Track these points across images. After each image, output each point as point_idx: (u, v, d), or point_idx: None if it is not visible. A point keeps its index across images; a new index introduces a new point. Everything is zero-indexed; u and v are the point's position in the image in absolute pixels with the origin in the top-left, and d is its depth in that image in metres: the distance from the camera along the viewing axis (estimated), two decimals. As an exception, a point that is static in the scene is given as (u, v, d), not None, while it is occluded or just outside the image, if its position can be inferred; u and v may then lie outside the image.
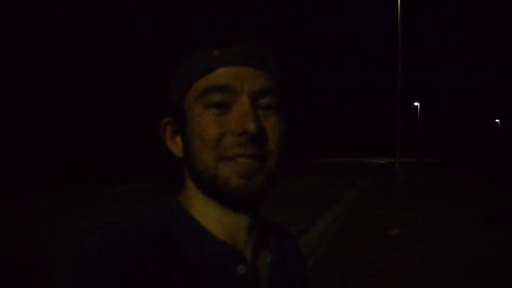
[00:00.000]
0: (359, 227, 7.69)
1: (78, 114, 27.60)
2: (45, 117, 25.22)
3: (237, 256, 0.62)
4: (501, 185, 16.62)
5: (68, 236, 6.48)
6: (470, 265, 5.20)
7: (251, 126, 0.56)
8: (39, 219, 8.18)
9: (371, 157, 68.37)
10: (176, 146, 0.65)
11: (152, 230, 0.57)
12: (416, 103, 64.08)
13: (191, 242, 0.60)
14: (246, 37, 0.63)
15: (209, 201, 0.62)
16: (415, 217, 8.68)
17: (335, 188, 15.41)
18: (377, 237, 6.78)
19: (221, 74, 0.59)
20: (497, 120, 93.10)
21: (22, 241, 6.27)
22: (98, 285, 0.50)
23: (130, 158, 24.29)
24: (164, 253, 0.56)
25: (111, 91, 30.02)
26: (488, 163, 45.94)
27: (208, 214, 0.62)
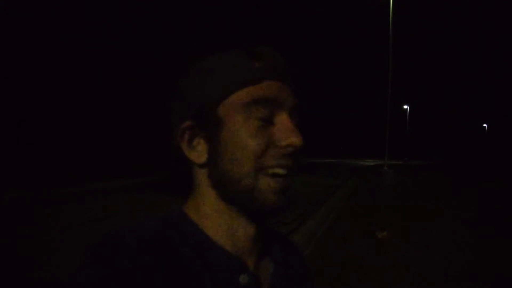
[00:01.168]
0: (348, 228, 7.71)
1: (88, 110, 27.56)
2: (54, 112, 25.11)
3: (240, 266, 0.61)
4: (485, 187, 16.83)
5: (72, 228, 6.44)
6: (457, 268, 5.24)
7: (298, 140, 0.58)
8: (42, 211, 8.14)
9: (360, 159, 68.72)
10: (194, 152, 0.62)
11: (154, 238, 0.57)
12: (405, 106, 64.49)
13: (193, 251, 0.59)
14: (277, 53, 0.63)
15: (224, 210, 0.61)
16: (402, 219, 8.74)
17: (324, 188, 15.46)
18: (365, 239, 6.81)
19: (268, 88, 0.60)
20: (484, 125, 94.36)
21: (23, 233, 6.22)
22: None
23: (138, 152, 24.41)
24: (165, 261, 0.55)
25: (120, 88, 29.98)
26: (474, 165, 46.44)
27: (218, 223, 0.62)
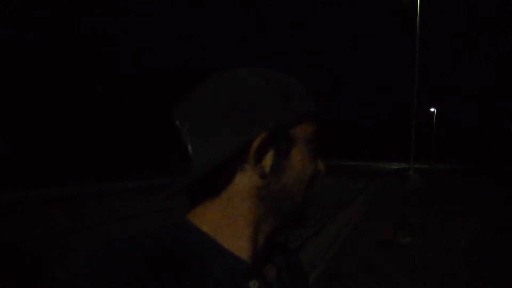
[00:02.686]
0: (370, 233, 7.62)
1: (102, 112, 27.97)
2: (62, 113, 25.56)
3: (250, 271, 0.62)
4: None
5: (73, 232, 6.55)
6: (482, 273, 5.12)
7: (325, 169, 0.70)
8: (63, 210, 8.30)
9: (384, 162, 67.85)
10: (261, 163, 0.64)
11: (156, 248, 0.57)
12: (432, 109, 63.45)
13: (197, 259, 0.59)
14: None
15: (253, 222, 0.64)
16: (427, 224, 8.59)
17: (347, 192, 15.32)
18: (388, 243, 6.72)
19: (315, 127, 0.68)
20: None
21: (27, 233, 6.35)
22: None
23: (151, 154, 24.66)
24: (167, 271, 0.55)
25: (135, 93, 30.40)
26: (501, 170, 45.28)
27: (241, 234, 0.63)
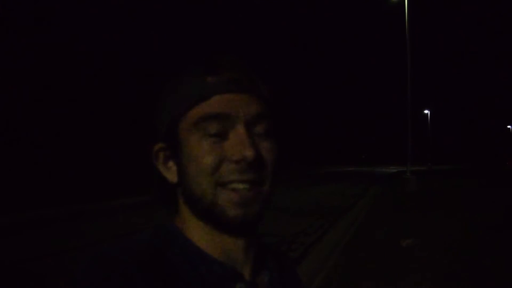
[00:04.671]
0: (371, 237, 7.65)
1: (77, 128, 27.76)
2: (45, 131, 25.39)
3: (235, 275, 0.62)
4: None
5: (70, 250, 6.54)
6: (483, 272, 5.15)
7: (249, 154, 0.57)
8: (65, 229, 8.28)
9: (382, 166, 67.90)
10: (169, 172, 0.64)
11: (145, 252, 0.57)
12: (426, 111, 63.64)
13: (186, 263, 0.59)
14: (237, 62, 0.63)
15: (203, 225, 0.62)
16: (426, 227, 8.62)
17: (347, 197, 15.36)
18: (389, 247, 6.74)
19: (216, 102, 0.59)
20: (509, 126, 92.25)
21: (25, 254, 6.33)
22: None
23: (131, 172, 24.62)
24: (157, 275, 0.55)
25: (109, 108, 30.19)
26: (499, 170, 45.36)
27: (205, 237, 0.62)
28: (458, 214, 10.51)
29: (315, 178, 28.54)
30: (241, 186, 0.58)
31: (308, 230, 8.30)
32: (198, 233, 0.62)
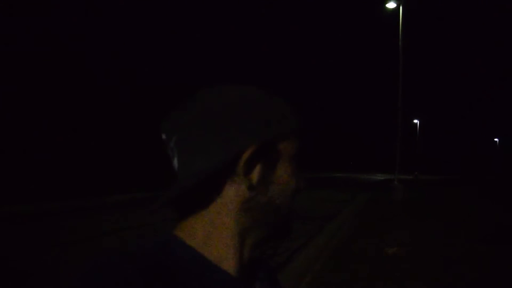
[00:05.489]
0: (357, 244, 7.68)
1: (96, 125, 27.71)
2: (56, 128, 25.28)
3: (236, 285, 0.63)
4: (496, 202, 16.64)
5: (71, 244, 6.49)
6: (470, 284, 5.19)
7: (303, 186, 0.71)
8: (59, 225, 8.22)
9: (370, 173, 68.22)
10: (250, 174, 0.65)
11: (146, 259, 0.57)
12: (415, 120, 64.15)
13: (187, 271, 0.60)
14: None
15: (238, 235, 0.65)
16: (413, 235, 8.68)
17: (333, 204, 15.40)
18: (374, 254, 6.78)
19: (298, 144, 0.70)
20: (496, 139, 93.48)
21: (19, 248, 6.28)
22: None
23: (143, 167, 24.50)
24: (160, 283, 0.56)
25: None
26: (485, 181, 45.86)
27: (227, 246, 0.63)
28: (444, 223, 10.60)
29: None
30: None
31: (293, 236, 8.32)
32: (222, 242, 0.64)
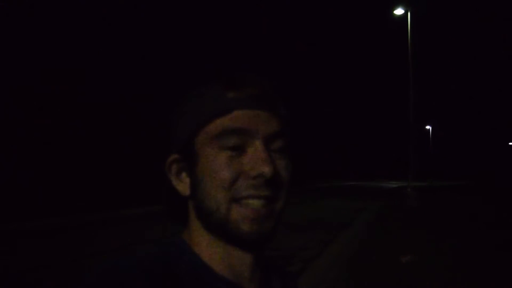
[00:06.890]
0: (371, 252, 7.63)
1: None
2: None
3: None
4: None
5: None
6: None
7: (268, 170, 0.57)
8: (74, 238, 8.30)
9: (383, 181, 67.69)
10: (182, 184, 0.64)
11: (154, 266, 0.57)
12: (428, 126, 63.73)
13: (194, 279, 0.59)
14: (257, 78, 0.64)
15: (214, 240, 0.62)
16: (427, 243, 8.59)
17: (347, 212, 15.32)
18: (389, 262, 6.72)
19: (237, 117, 0.60)
20: (511, 144, 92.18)
21: (34, 264, 6.34)
22: None
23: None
24: None
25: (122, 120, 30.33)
26: (501, 187, 45.14)
27: (213, 252, 0.62)
28: (460, 230, 10.47)
29: (316, 192, 28.44)
30: (256, 202, 0.58)
31: (309, 245, 8.28)
32: (206, 248, 0.63)
